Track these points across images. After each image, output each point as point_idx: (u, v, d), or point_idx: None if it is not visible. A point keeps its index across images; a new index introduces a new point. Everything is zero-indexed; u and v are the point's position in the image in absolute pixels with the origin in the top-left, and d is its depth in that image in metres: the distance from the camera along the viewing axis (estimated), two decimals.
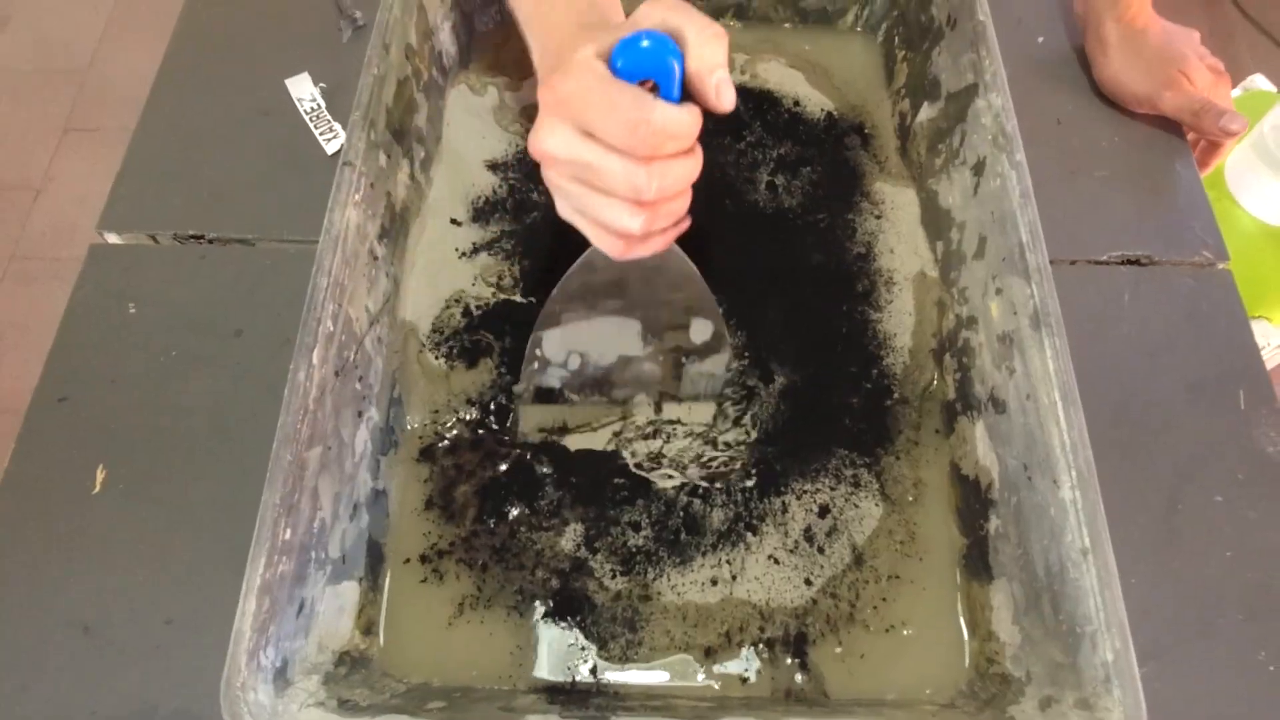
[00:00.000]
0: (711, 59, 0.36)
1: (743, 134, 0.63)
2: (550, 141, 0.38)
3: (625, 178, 0.37)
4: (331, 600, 0.43)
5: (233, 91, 0.66)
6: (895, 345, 0.55)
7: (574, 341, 0.50)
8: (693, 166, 0.38)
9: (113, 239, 0.60)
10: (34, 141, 1.57)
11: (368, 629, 0.45)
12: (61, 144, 1.57)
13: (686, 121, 0.36)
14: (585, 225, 0.41)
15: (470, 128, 0.61)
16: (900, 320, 0.56)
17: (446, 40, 0.61)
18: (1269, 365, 0.95)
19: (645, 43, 0.35)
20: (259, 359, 0.55)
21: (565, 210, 0.42)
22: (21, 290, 1.44)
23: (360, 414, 0.47)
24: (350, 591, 0.44)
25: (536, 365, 0.51)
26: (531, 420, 0.52)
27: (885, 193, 0.61)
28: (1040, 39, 0.70)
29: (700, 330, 0.50)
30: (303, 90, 0.66)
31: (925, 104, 0.59)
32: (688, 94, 0.37)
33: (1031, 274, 0.45)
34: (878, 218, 0.60)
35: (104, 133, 1.58)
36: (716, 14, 0.67)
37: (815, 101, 0.65)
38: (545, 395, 0.52)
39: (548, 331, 0.49)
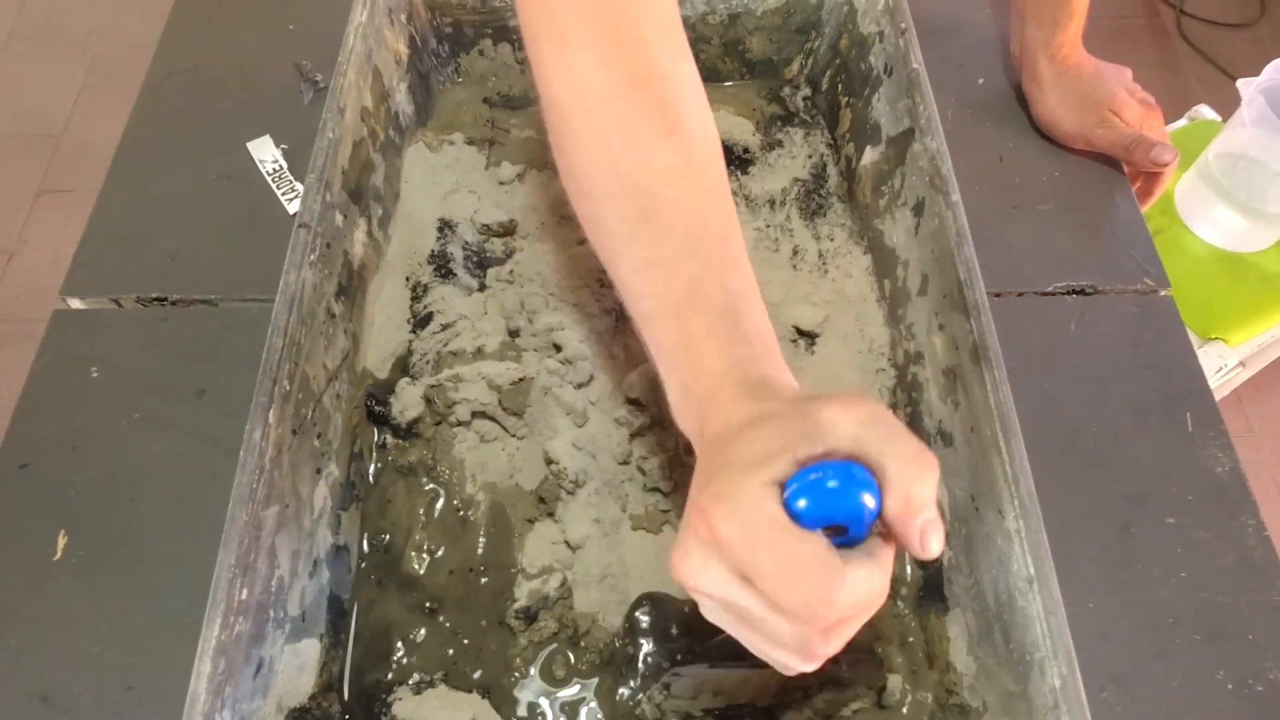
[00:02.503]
0: (920, 500, 0.29)
1: None
2: (702, 580, 0.30)
3: (795, 639, 0.30)
4: (291, 658, 0.43)
5: (195, 155, 0.67)
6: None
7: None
8: (879, 603, 0.30)
9: (76, 304, 0.61)
10: (7, 204, 1.58)
11: (329, 686, 0.45)
12: (35, 206, 1.58)
13: (881, 590, 0.29)
14: (739, 636, 0.33)
15: (426, 185, 0.63)
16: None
17: (403, 100, 0.62)
18: (1225, 387, 0.98)
19: (833, 483, 0.29)
20: (221, 419, 0.56)
21: (712, 616, 0.33)
22: None
23: (319, 470, 0.47)
24: (310, 649, 0.44)
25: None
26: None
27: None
28: (980, 80, 0.73)
29: None
30: (264, 152, 0.67)
31: (868, 148, 0.61)
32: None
33: (970, 310, 0.46)
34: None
35: (78, 194, 1.59)
36: None
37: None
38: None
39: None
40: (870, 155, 0.61)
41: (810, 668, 0.31)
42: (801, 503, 0.29)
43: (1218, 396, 0.92)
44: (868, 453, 0.29)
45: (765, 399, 0.33)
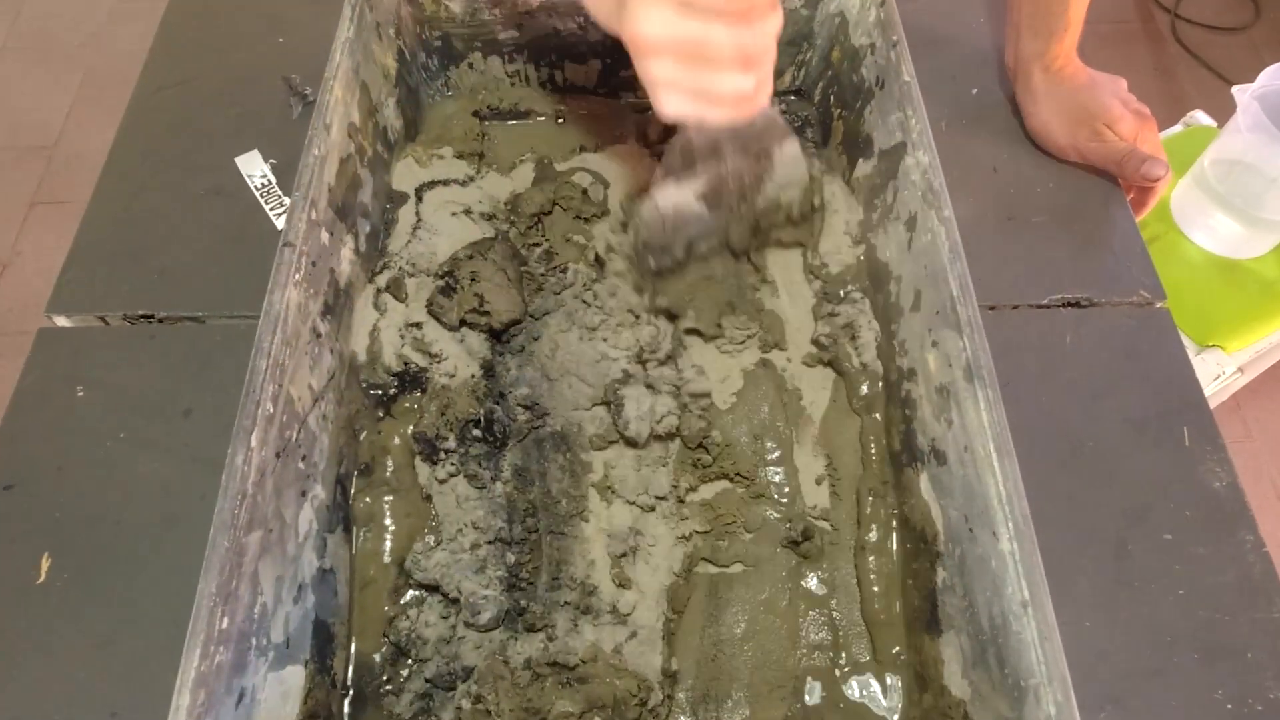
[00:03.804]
0: None
1: None
2: (649, 25, 0.40)
3: (732, 39, 0.40)
4: (274, 686, 0.42)
5: (184, 170, 0.67)
6: None
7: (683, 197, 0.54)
8: (779, 18, 0.42)
9: (62, 322, 0.60)
10: (1, 216, 1.57)
11: (313, 713, 0.44)
12: (29, 218, 1.57)
13: None
14: (699, 105, 0.44)
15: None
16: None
17: (391, 115, 0.62)
18: (1223, 393, 0.98)
19: None
20: (208, 439, 0.55)
21: (673, 102, 0.43)
22: None
23: (304, 493, 0.46)
24: (295, 676, 0.44)
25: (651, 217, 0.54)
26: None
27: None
28: (974, 91, 0.73)
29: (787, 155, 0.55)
30: (253, 167, 0.67)
31: (860, 160, 0.61)
32: None
33: (963, 327, 0.46)
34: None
35: (71, 206, 1.58)
36: None
37: None
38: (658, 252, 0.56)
39: (662, 190, 0.54)
40: (863, 168, 0.60)
41: (750, 80, 0.43)
42: None
43: (1215, 403, 0.92)
44: None
45: None
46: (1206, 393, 0.60)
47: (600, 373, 0.55)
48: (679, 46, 0.40)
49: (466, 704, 0.46)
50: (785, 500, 0.53)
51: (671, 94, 0.43)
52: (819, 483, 0.54)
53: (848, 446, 0.55)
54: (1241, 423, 1.40)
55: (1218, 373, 0.91)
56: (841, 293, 0.59)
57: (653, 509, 0.52)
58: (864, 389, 0.55)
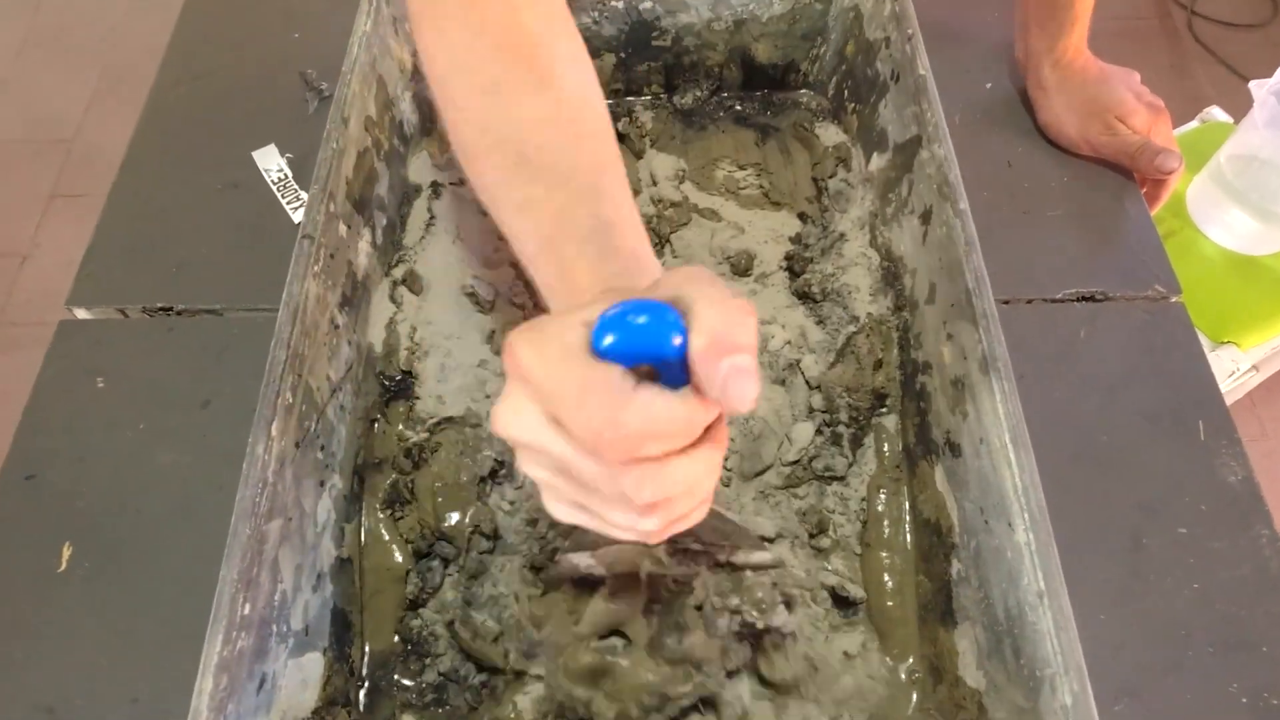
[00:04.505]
0: (726, 339, 0.27)
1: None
2: (514, 424, 0.29)
3: (607, 482, 0.29)
4: (294, 673, 0.42)
5: (201, 164, 0.67)
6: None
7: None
8: (701, 466, 0.29)
9: (82, 314, 0.61)
10: (21, 209, 1.59)
11: (332, 700, 0.45)
12: (48, 210, 1.59)
13: (676, 418, 0.27)
14: (592, 522, 0.32)
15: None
16: None
17: (407, 110, 0.62)
18: (1238, 390, 0.97)
19: (639, 317, 0.27)
20: (226, 429, 0.55)
21: (559, 510, 0.33)
22: (6, 358, 1.44)
23: (323, 483, 0.47)
24: (314, 663, 0.44)
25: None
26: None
27: None
28: (988, 85, 0.72)
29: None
30: (270, 161, 0.67)
31: (875, 154, 0.61)
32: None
33: (979, 319, 0.46)
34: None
35: (90, 198, 1.60)
36: (671, 75, 0.69)
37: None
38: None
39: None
40: (877, 161, 0.60)
41: (649, 522, 0.30)
42: (607, 339, 0.27)
43: (1230, 400, 0.91)
44: (681, 295, 0.28)
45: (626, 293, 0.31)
46: (1221, 390, 0.60)
47: None
48: (549, 461, 0.30)
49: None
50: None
51: (554, 501, 0.32)
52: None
53: None
54: (1257, 421, 1.39)
55: (1233, 369, 0.91)
56: None
57: None
58: None
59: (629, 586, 0.42)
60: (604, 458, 0.28)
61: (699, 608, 0.41)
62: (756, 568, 0.41)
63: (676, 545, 0.40)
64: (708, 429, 0.29)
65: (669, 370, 0.28)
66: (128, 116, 0.71)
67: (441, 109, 0.42)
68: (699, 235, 0.62)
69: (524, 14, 0.40)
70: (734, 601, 0.42)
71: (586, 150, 0.39)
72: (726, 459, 0.53)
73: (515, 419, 0.29)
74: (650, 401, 0.27)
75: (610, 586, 0.42)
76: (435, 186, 0.63)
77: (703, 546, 0.40)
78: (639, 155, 0.66)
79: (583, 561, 0.41)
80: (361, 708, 0.47)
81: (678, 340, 0.27)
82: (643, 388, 0.27)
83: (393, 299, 0.57)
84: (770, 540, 0.51)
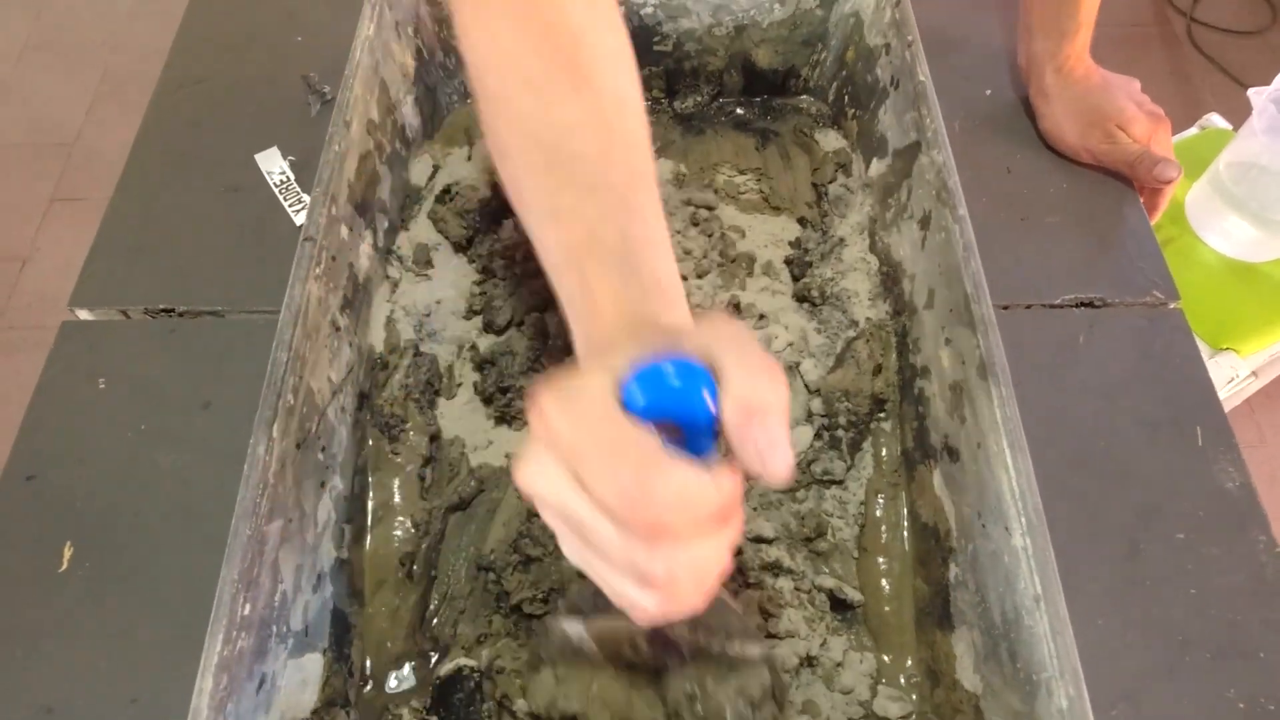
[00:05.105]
0: (759, 405, 0.27)
1: None
2: (538, 481, 0.29)
3: (623, 552, 0.28)
4: (294, 673, 0.43)
5: (204, 166, 0.68)
6: None
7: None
8: (719, 548, 0.29)
9: (84, 315, 0.61)
10: (21, 212, 1.59)
11: (330, 701, 0.45)
12: (48, 214, 1.59)
13: (706, 495, 0.27)
14: (593, 576, 0.32)
15: None
16: None
17: (409, 113, 0.63)
18: (1237, 397, 0.97)
19: (672, 378, 0.27)
20: (227, 431, 0.56)
21: (569, 553, 0.32)
22: (5, 360, 1.44)
23: (323, 484, 0.47)
24: (313, 663, 0.44)
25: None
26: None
27: None
28: (988, 91, 0.73)
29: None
30: (272, 164, 0.67)
31: (875, 159, 0.61)
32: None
33: (977, 325, 0.46)
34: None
35: (90, 202, 1.60)
36: (672, 79, 0.69)
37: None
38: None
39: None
40: (877, 167, 0.61)
41: (650, 599, 0.29)
42: (638, 397, 0.27)
43: (1229, 407, 0.92)
44: (713, 355, 0.28)
45: (651, 331, 0.32)
46: (1220, 396, 0.60)
47: None
48: (566, 518, 0.30)
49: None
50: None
51: (569, 548, 0.32)
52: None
53: None
54: (1256, 428, 1.40)
55: (1231, 376, 0.91)
56: None
57: None
58: None
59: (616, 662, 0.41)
60: (626, 523, 0.27)
61: (691, 697, 0.40)
62: (746, 661, 0.40)
63: (659, 633, 0.39)
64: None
65: (694, 430, 0.28)
66: (128, 120, 0.71)
67: (478, 100, 0.41)
68: (698, 243, 0.62)
69: (570, 10, 0.39)
70: (725, 692, 0.41)
71: (620, 160, 0.38)
72: None
73: (540, 476, 0.29)
74: (683, 473, 0.27)
75: (596, 662, 0.41)
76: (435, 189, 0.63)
77: (691, 636, 0.39)
78: None
79: (574, 630, 0.40)
80: (360, 709, 0.47)
81: (710, 402, 0.27)
82: (676, 458, 0.27)
83: (392, 301, 0.57)
84: (769, 541, 0.51)
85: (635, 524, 0.27)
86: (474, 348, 0.57)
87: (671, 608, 0.30)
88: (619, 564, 0.29)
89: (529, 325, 0.57)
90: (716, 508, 0.27)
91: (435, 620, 0.50)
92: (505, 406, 0.55)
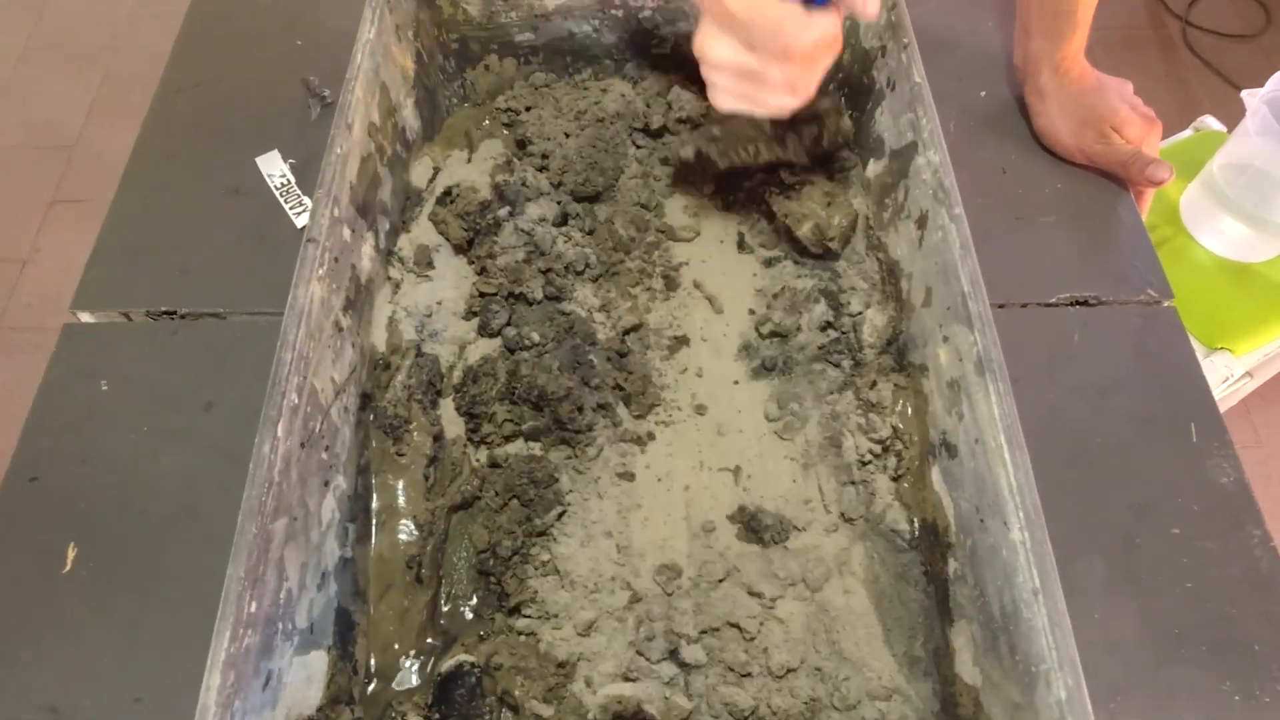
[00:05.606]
0: None
1: None
2: (716, 49, 0.50)
3: (785, 79, 0.49)
4: (299, 671, 0.43)
5: (205, 169, 0.68)
6: None
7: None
8: (831, 60, 0.51)
9: (86, 318, 0.61)
10: (21, 215, 1.59)
11: (335, 699, 0.45)
12: (48, 216, 1.59)
13: (834, 34, 0.49)
14: (746, 105, 0.52)
15: None
16: None
17: (410, 116, 0.63)
18: (1232, 397, 0.98)
19: None
20: (229, 432, 0.56)
21: (724, 100, 0.53)
22: (6, 361, 1.45)
23: (327, 483, 0.47)
24: (318, 661, 0.45)
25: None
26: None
27: None
28: (983, 93, 0.73)
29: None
30: (273, 167, 0.68)
31: (872, 160, 0.61)
32: None
33: (974, 322, 0.47)
34: None
35: (90, 205, 1.61)
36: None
37: None
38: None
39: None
40: (874, 168, 0.61)
41: (798, 102, 0.52)
42: None
43: (1224, 407, 0.92)
44: None
45: None
46: (1215, 396, 0.60)
47: None
48: (737, 70, 0.49)
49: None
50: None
51: (723, 95, 0.52)
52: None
53: None
54: (1251, 428, 1.40)
55: (1226, 376, 0.92)
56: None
57: None
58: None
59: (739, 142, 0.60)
60: (787, 60, 0.49)
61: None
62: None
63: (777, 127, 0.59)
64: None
65: None
66: (129, 123, 0.71)
67: None
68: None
69: None
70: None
71: None
72: None
73: (717, 45, 0.50)
74: (821, 23, 0.48)
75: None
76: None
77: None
78: None
79: (704, 133, 0.60)
80: (365, 706, 0.47)
81: None
82: (815, 13, 0.48)
83: (394, 302, 0.58)
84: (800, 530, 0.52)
85: (795, 59, 0.48)
86: (464, 355, 0.57)
87: (806, 98, 0.52)
88: (780, 84, 0.50)
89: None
90: (837, 37, 0.50)
91: (442, 621, 0.50)
92: (473, 431, 0.55)
